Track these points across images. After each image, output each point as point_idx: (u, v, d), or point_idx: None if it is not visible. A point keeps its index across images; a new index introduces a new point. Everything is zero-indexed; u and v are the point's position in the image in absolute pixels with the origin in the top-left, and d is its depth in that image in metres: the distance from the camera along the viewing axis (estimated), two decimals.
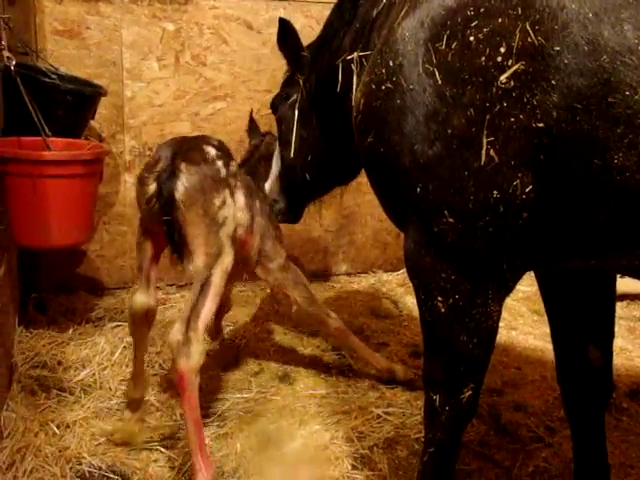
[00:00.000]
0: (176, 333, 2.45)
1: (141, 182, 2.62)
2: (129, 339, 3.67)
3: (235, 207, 2.67)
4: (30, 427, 2.85)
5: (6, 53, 3.29)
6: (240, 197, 2.75)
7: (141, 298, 2.72)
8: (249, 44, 4.52)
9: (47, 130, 3.39)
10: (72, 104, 3.65)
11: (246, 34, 4.52)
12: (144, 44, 4.34)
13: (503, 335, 4.05)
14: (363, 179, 4.72)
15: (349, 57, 2.34)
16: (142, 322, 2.76)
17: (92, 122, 4.12)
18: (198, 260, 2.51)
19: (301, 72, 2.97)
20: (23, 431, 2.82)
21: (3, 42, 3.29)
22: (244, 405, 3.22)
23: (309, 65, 2.88)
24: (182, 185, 2.48)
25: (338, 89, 2.47)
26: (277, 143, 3.28)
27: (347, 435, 2.96)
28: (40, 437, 2.79)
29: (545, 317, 2.43)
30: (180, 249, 2.51)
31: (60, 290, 4.34)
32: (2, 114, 3.45)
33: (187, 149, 2.62)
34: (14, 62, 3.31)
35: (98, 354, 3.54)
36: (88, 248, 4.48)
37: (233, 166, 2.78)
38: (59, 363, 3.46)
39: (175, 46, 4.40)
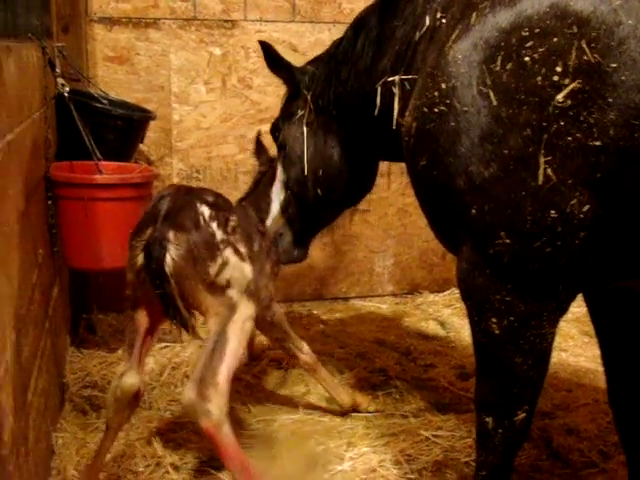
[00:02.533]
0: (188, 393, 2.28)
1: (130, 249, 2.46)
2: (177, 359, 3.71)
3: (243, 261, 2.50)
4: (80, 446, 2.89)
5: (60, 80, 3.38)
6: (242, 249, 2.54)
7: (131, 380, 2.46)
8: None
9: (98, 154, 3.46)
10: (122, 128, 3.72)
11: (292, 56, 4.50)
12: (191, 68, 4.42)
13: (553, 357, 3.88)
14: (408, 199, 4.74)
15: (390, 79, 2.34)
16: (127, 406, 2.51)
17: (141, 146, 4.19)
18: (210, 322, 2.41)
19: (307, 88, 2.92)
20: (74, 450, 2.86)
21: (57, 69, 3.38)
22: (292, 427, 3.21)
23: (320, 80, 2.85)
24: (170, 258, 2.30)
25: (376, 112, 2.44)
26: (278, 173, 3.06)
27: (395, 458, 2.93)
28: (90, 457, 2.82)
29: (596, 339, 2.39)
30: (181, 321, 2.36)
31: (109, 310, 4.39)
32: (56, 139, 3.53)
33: (179, 209, 2.41)
34: (67, 89, 3.40)
35: (147, 374, 3.54)
36: None
37: (233, 220, 2.55)
38: (109, 383, 3.48)
39: (222, 70, 4.48)
